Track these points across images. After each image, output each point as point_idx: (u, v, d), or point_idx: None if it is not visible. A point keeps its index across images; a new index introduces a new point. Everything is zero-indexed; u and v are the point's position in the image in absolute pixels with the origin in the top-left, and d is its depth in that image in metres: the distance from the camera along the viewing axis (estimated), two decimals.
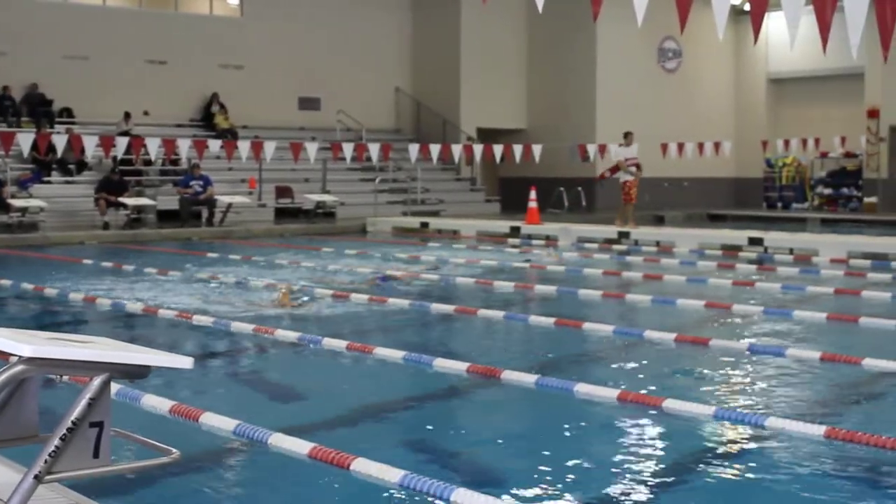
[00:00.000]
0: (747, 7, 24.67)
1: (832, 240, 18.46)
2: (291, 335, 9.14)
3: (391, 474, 4.94)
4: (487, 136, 29.24)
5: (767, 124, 32.99)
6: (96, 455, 3.41)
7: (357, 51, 29.47)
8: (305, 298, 11.52)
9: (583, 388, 6.94)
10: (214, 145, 22.15)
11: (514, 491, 4.99)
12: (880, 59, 9.44)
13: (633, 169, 21.92)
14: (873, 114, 30.15)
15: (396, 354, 8.18)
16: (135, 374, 3.52)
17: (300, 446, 5.44)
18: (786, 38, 8.52)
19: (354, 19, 29.43)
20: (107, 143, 20.75)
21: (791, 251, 17.60)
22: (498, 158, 24.66)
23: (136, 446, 4.23)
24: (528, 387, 7.18)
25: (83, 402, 3.35)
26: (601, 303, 11.80)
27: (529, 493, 4.98)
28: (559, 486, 5.09)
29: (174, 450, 3.66)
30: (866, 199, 30.31)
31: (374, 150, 23.71)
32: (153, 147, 21.13)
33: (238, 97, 27.20)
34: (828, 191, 31.78)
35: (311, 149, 22.80)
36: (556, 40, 30.17)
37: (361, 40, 29.62)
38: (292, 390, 7.57)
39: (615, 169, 22.43)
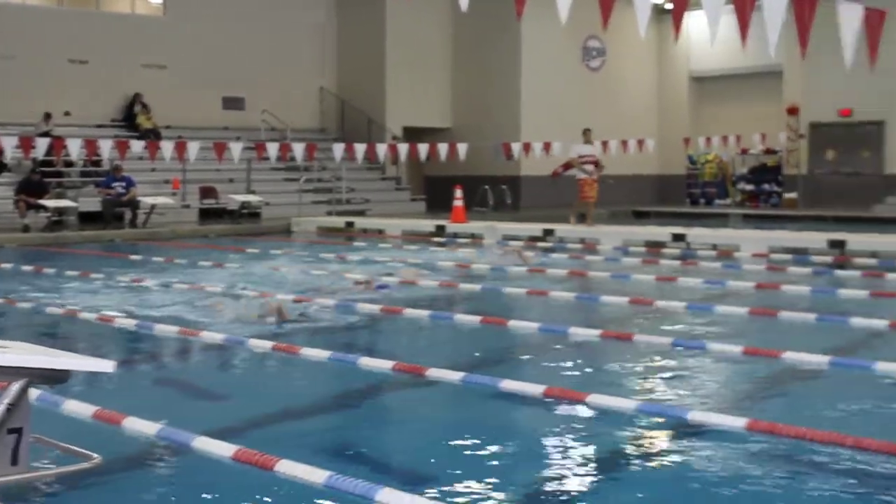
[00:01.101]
0: (669, 6, 24.94)
1: (753, 235, 18.74)
2: (217, 337, 9.07)
3: (316, 475, 4.92)
4: (413, 135, 29.27)
5: (690, 122, 33.39)
6: (15, 462, 3.35)
7: (281, 50, 29.32)
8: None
9: (509, 385, 6.97)
10: (137, 146, 21.90)
11: (441, 489, 4.99)
12: (798, 56, 9.61)
13: (590, 167, 21.82)
14: (793, 111, 30.66)
15: (322, 354, 8.16)
16: (55, 378, 3.47)
17: (224, 449, 5.40)
18: (707, 37, 8.66)
19: (279, 19, 29.28)
20: (26, 144, 20.43)
21: (714, 247, 17.84)
22: (423, 157, 24.69)
23: (58, 452, 4.16)
24: (455, 384, 7.19)
25: (1, 408, 3.29)
26: (526, 300, 11.84)
27: (457, 490, 4.98)
28: (486, 482, 5.10)
29: (95, 455, 3.62)
30: (786, 195, 30.80)
31: (298, 149, 23.61)
32: (74, 148, 20.85)
33: (161, 97, 26.90)
34: (749, 187, 32.24)
35: (236, 149, 22.61)
36: (481, 39, 30.27)
37: (286, 40, 29.48)
38: (217, 393, 7.51)
39: (567, 166, 22.36)
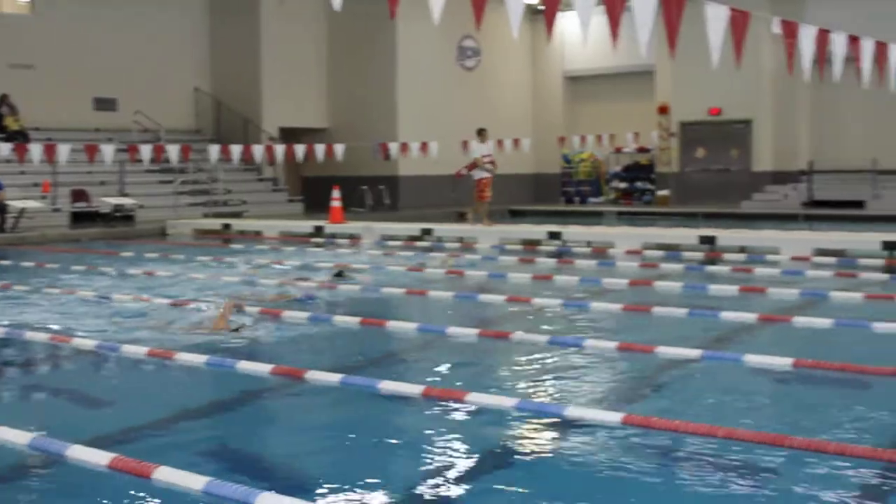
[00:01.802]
0: (543, 6, 25.22)
1: (627, 232, 19.08)
2: (90, 343, 8.89)
3: (194, 481, 4.86)
4: (289, 135, 29.08)
5: (564, 121, 33.81)
6: None
7: (154, 50, 28.84)
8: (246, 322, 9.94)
9: (388, 386, 6.98)
10: (4, 148, 21.32)
11: (320, 492, 4.98)
12: (669, 56, 9.84)
13: (490, 166, 21.90)
14: (664, 110, 31.27)
15: (199, 359, 8.06)
16: None
17: (100, 457, 5.30)
18: (580, 37, 8.76)
19: (151, 18, 28.79)
20: None
21: (588, 244, 18.10)
22: (300, 158, 24.53)
23: None
24: (333, 386, 7.17)
25: None
26: (405, 300, 11.87)
27: (337, 493, 4.97)
28: (367, 484, 5.10)
29: None
30: (659, 193, 31.40)
31: (173, 151, 23.26)
32: None
33: (29, 98, 26.17)
34: (623, 185, 32.78)
35: (108, 151, 22.17)
36: (357, 39, 30.20)
37: (159, 40, 29.01)
38: (92, 400, 7.36)
39: (472, 166, 22.33)
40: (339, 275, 13.47)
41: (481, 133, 22.22)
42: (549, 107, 34.39)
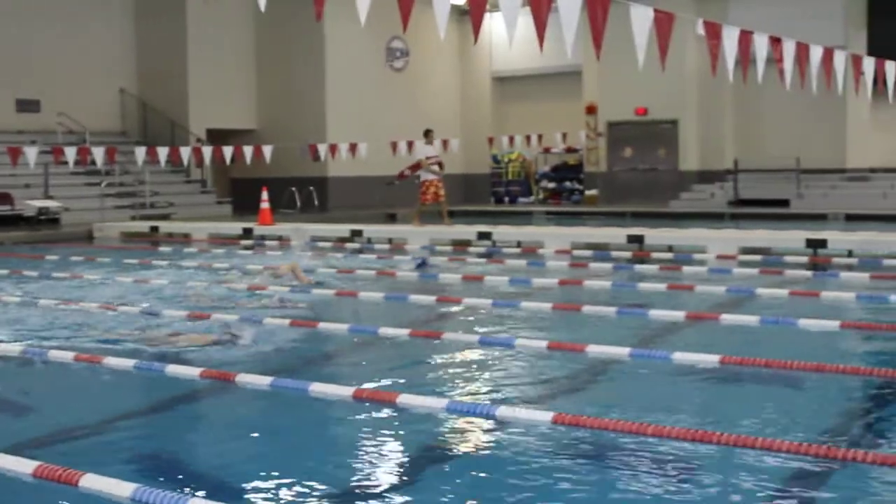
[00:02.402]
0: None
1: (556, 232, 19.19)
2: (15, 348, 8.75)
3: (122, 489, 4.79)
4: (217, 137, 28.84)
5: (493, 121, 33.93)
6: None
7: (78, 51, 28.43)
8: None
9: (317, 388, 6.95)
10: None
11: (251, 497, 4.95)
12: (596, 57, 9.92)
13: (436, 167, 21.79)
14: (591, 110, 31.52)
15: (127, 364, 7.97)
16: None
17: (24, 465, 5.21)
18: (507, 38, 8.79)
19: (75, 18, 28.39)
20: None
21: (518, 244, 18.18)
22: (228, 160, 24.32)
23: None
24: (264, 389, 7.13)
25: None
26: (335, 302, 11.82)
27: (267, 498, 4.95)
28: (298, 488, 5.08)
29: None
30: (587, 192, 31.64)
31: (98, 153, 22.94)
32: None
33: None
34: (551, 185, 32.99)
35: (31, 153, 21.78)
36: (284, 40, 30.05)
37: (82, 40, 28.60)
38: (16, 406, 7.24)
39: (416, 167, 22.18)
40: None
41: (427, 134, 22.10)
42: (478, 107, 34.49)
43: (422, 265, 12.36)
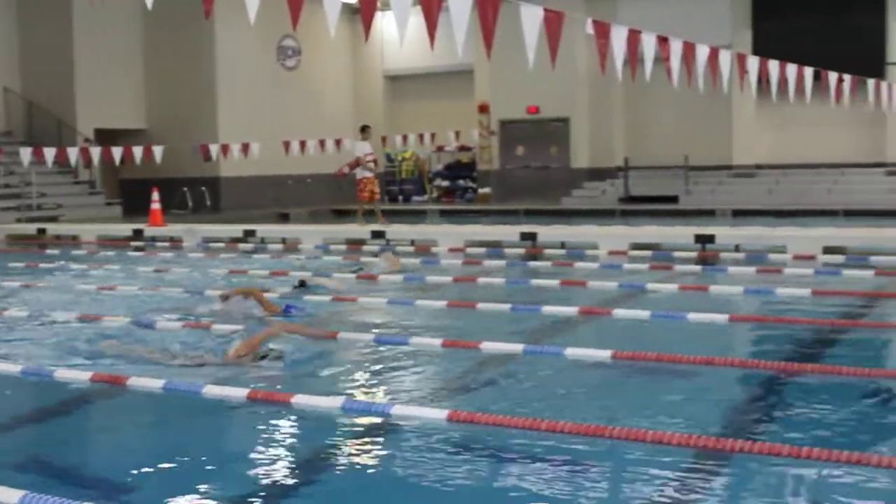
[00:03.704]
0: None
1: (450, 230, 19.25)
2: None
3: (9, 495, 4.69)
4: (106, 137, 28.32)
5: (386, 120, 33.88)
6: None
7: None
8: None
9: (212, 390, 6.88)
10: None
11: (143, 500, 4.88)
12: (486, 56, 9.96)
13: (372, 165, 21.40)
14: (484, 108, 31.69)
15: (13, 368, 7.79)
16: None
17: None
18: (398, 37, 8.80)
19: None
20: None
21: (412, 242, 18.19)
22: (118, 160, 23.91)
23: None
24: (156, 392, 7.03)
25: None
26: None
27: (161, 500, 4.88)
28: (192, 491, 5.01)
29: None
30: (480, 190, 31.82)
31: None
32: None
33: None
34: (445, 183, 33.09)
35: None
36: (174, 38, 29.61)
37: None
38: None
39: (354, 164, 21.85)
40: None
41: (364, 130, 21.67)
42: (371, 106, 34.42)
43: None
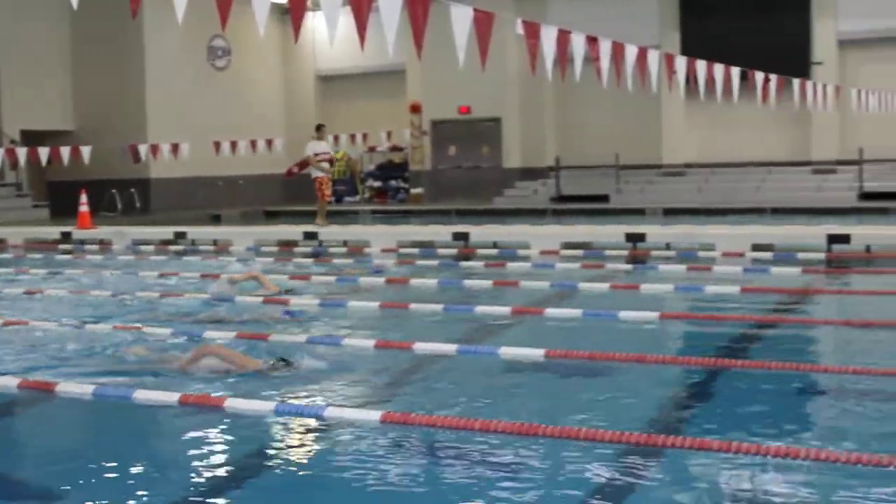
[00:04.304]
0: None
1: (382, 231, 19.23)
2: None
3: None
4: (33, 138, 27.87)
5: (317, 120, 33.65)
6: None
7: None
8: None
9: (142, 395, 6.81)
10: None
11: None
12: (417, 56, 9.95)
13: (326, 165, 21.11)
14: (415, 109, 31.69)
15: None
16: None
17: None
18: (329, 37, 8.76)
19: None
20: None
21: (345, 243, 18.14)
22: (44, 161, 23.57)
23: None
24: (86, 398, 6.94)
25: None
26: (159, 305, 11.57)
27: None
28: (126, 497, 4.96)
29: None
30: (413, 191, 31.81)
31: None
32: None
33: None
34: (377, 183, 33.02)
35: None
36: (102, 38, 29.21)
37: None
38: None
39: (304, 164, 21.49)
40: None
41: (319, 129, 21.41)
42: (302, 106, 34.27)
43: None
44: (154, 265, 15.75)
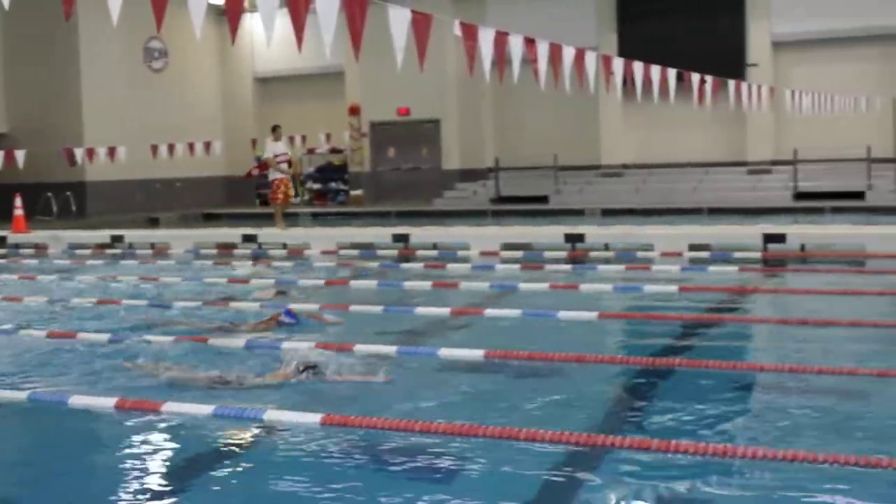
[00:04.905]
0: None
1: (323, 233, 19.17)
2: None
3: None
4: None
5: (256, 123, 33.55)
6: None
7: None
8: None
9: (78, 400, 6.73)
10: None
11: None
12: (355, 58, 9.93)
13: (284, 166, 20.87)
14: (354, 110, 31.62)
15: None
16: None
17: None
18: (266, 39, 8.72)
19: None
20: None
21: (284, 246, 18.06)
22: None
23: None
24: (21, 403, 6.85)
25: None
26: (97, 309, 11.43)
27: None
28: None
29: None
30: (353, 193, 31.74)
31: None
32: None
33: None
34: (317, 186, 32.90)
35: None
36: (36, 39, 28.77)
37: None
38: None
39: (264, 166, 21.15)
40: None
41: (275, 130, 21.12)
42: (241, 108, 34.09)
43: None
44: (91, 269, 15.57)
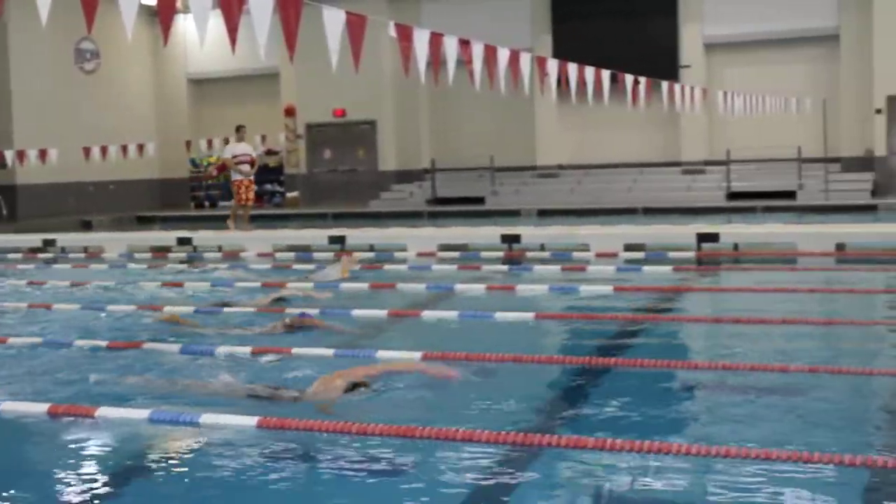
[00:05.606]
0: None
1: (258, 235, 19.04)
2: None
3: None
4: None
5: (190, 124, 33.30)
6: None
7: None
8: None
9: (8, 407, 6.63)
10: None
11: None
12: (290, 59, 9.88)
13: (246, 167, 20.55)
14: (290, 112, 31.50)
15: None
16: None
17: None
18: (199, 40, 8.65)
19: None
20: None
21: (220, 249, 17.93)
22: None
23: None
24: None
25: None
26: (27, 315, 11.26)
27: None
28: None
29: None
30: (289, 194, 31.61)
31: None
32: None
33: None
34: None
35: None
36: None
37: None
38: None
39: (221, 167, 20.85)
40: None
41: (238, 130, 20.79)
42: (174, 110, 33.81)
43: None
44: (22, 274, 15.34)
